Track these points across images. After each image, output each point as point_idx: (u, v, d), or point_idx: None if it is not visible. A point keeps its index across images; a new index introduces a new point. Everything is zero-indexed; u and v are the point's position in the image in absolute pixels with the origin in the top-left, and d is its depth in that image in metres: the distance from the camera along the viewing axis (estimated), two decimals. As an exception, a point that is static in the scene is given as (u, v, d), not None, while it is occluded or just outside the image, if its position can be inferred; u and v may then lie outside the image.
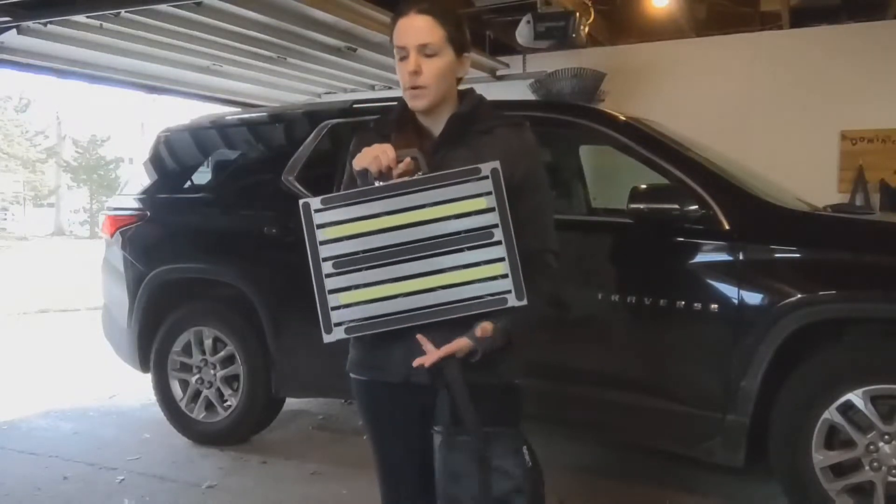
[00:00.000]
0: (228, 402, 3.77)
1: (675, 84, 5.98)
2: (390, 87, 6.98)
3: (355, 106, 3.71)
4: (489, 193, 1.46)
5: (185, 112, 24.46)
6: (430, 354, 1.48)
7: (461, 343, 1.48)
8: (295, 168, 3.60)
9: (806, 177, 4.70)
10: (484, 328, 1.49)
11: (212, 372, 3.78)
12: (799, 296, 2.59)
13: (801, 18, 6.18)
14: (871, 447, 2.51)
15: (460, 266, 1.48)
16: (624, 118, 3.19)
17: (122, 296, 4.00)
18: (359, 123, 3.71)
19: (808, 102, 5.61)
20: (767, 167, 3.62)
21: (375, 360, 1.62)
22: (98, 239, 14.23)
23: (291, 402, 4.16)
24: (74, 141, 36.30)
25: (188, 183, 4.16)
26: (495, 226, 1.46)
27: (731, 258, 2.71)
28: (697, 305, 2.72)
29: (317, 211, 1.52)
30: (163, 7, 4.41)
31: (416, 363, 1.49)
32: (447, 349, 1.48)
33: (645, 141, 3.01)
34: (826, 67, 5.60)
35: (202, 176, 4.17)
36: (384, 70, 6.27)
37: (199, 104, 7.59)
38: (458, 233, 1.47)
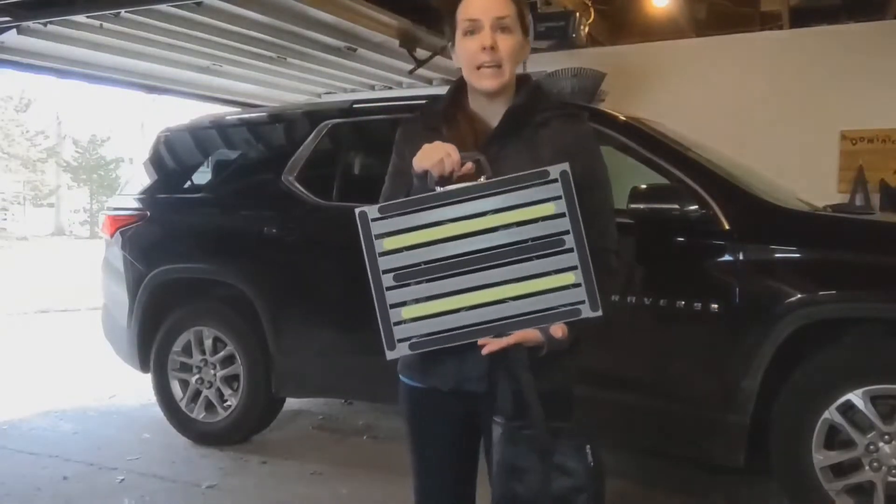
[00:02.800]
0: (228, 402, 3.77)
1: (675, 84, 5.98)
2: (390, 87, 6.99)
3: (355, 106, 3.71)
4: (559, 198, 1.37)
5: (185, 112, 24.45)
6: (498, 340, 1.38)
7: (530, 334, 1.39)
8: (295, 168, 3.59)
9: (806, 177, 4.70)
10: (559, 327, 1.40)
11: (212, 372, 3.78)
12: (799, 296, 2.59)
13: (801, 18, 6.18)
14: (871, 447, 2.51)
15: (530, 276, 1.39)
16: (624, 118, 3.18)
17: (122, 296, 4.00)
18: (356, 125, 3.73)
19: (808, 102, 5.60)
20: (767, 167, 3.62)
21: (426, 366, 1.53)
22: (98, 239, 14.21)
23: (291, 402, 4.16)
24: (74, 141, 36.25)
25: (188, 183, 4.17)
26: (566, 232, 1.38)
27: (731, 258, 2.70)
28: (697, 305, 2.72)
29: (374, 220, 1.42)
30: (163, 7, 4.42)
31: (484, 349, 1.39)
32: (517, 336, 1.38)
33: (645, 141, 3.01)
34: (826, 67, 5.60)
35: (202, 176, 4.17)
36: (384, 70, 6.27)
37: (199, 104, 7.60)
38: (527, 240, 1.38)
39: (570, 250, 1.38)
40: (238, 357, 3.71)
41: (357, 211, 1.43)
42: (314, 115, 3.76)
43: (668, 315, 2.79)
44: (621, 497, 3.14)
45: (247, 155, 4.13)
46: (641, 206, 2.76)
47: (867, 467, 2.52)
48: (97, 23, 4.58)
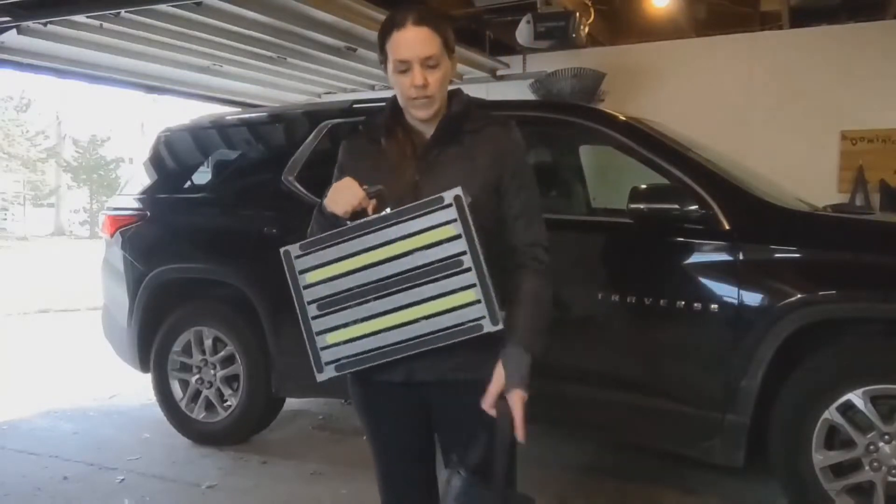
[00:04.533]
0: (228, 402, 3.78)
1: (675, 84, 5.98)
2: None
3: (355, 106, 3.71)
4: (455, 221, 1.46)
5: (185, 112, 24.46)
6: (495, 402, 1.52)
7: (520, 397, 1.51)
8: (295, 168, 3.60)
9: (806, 177, 4.70)
10: (522, 376, 1.52)
11: (212, 372, 3.78)
12: (799, 296, 2.59)
13: (801, 18, 6.17)
14: (871, 447, 2.51)
15: (436, 296, 1.49)
16: (624, 118, 3.19)
17: (122, 296, 4.00)
18: (356, 125, 3.72)
19: (808, 102, 5.60)
20: (767, 167, 3.62)
21: None
22: (98, 239, 14.20)
23: (291, 402, 4.16)
24: (74, 141, 36.25)
25: (188, 183, 4.16)
26: (464, 252, 1.47)
27: (731, 258, 2.71)
28: (697, 305, 2.72)
29: (297, 257, 1.57)
30: (163, 7, 4.41)
31: (486, 404, 1.52)
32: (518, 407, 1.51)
33: (645, 141, 3.01)
34: (826, 67, 5.59)
35: (202, 176, 4.17)
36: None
37: (199, 104, 7.60)
38: (431, 263, 1.49)
39: (469, 269, 1.47)
40: (238, 357, 3.71)
41: (281, 250, 1.58)
42: (314, 115, 3.76)
43: (668, 315, 2.79)
44: (621, 497, 3.15)
45: (247, 155, 4.13)
46: (641, 206, 2.76)
47: (867, 467, 2.52)
48: (97, 23, 4.57)
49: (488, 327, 1.47)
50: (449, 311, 1.49)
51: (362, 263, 1.53)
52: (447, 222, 1.47)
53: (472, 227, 1.46)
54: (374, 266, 1.52)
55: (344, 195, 1.53)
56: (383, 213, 1.52)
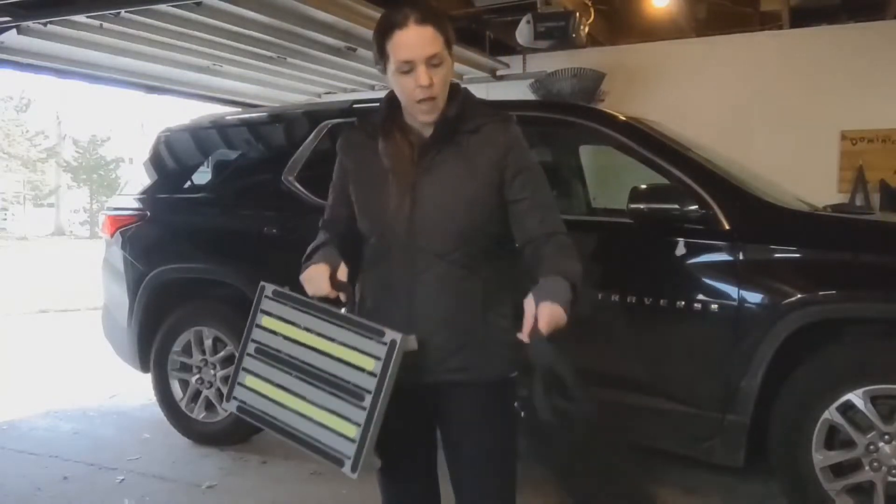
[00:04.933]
0: (228, 402, 3.77)
1: (675, 84, 5.98)
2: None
3: (355, 106, 3.70)
4: (379, 359, 1.45)
5: (185, 112, 24.46)
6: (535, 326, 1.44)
7: (547, 306, 1.44)
8: (295, 168, 3.59)
9: (806, 177, 4.70)
10: (552, 292, 1.45)
11: (212, 372, 3.78)
12: (799, 296, 2.59)
13: (801, 18, 6.18)
14: (871, 447, 2.51)
15: (326, 408, 1.51)
16: (624, 118, 3.19)
17: (122, 296, 4.00)
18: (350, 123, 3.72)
19: (808, 102, 5.61)
20: (767, 167, 3.62)
21: None
22: (98, 239, 14.20)
23: (291, 402, 4.15)
24: (74, 141, 36.28)
25: (188, 183, 4.16)
26: (369, 392, 1.45)
27: (731, 258, 2.70)
28: (697, 305, 2.72)
29: (266, 297, 1.66)
30: (163, 7, 4.41)
31: (526, 334, 1.45)
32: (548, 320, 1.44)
33: (645, 141, 3.01)
34: (826, 67, 5.60)
35: (202, 176, 4.17)
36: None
37: (199, 104, 7.60)
38: (339, 378, 1.50)
39: (364, 409, 1.45)
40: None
41: (261, 283, 1.68)
42: (314, 116, 3.76)
43: (668, 315, 2.79)
44: (621, 497, 3.14)
45: (247, 155, 4.12)
46: (641, 206, 2.76)
47: (867, 467, 2.52)
48: (97, 23, 4.58)
49: (346, 470, 1.46)
50: (326, 427, 1.50)
51: (303, 340, 1.57)
52: (372, 356, 1.46)
53: (391, 377, 1.43)
54: (308, 348, 1.56)
55: (314, 283, 1.58)
56: (341, 309, 1.56)
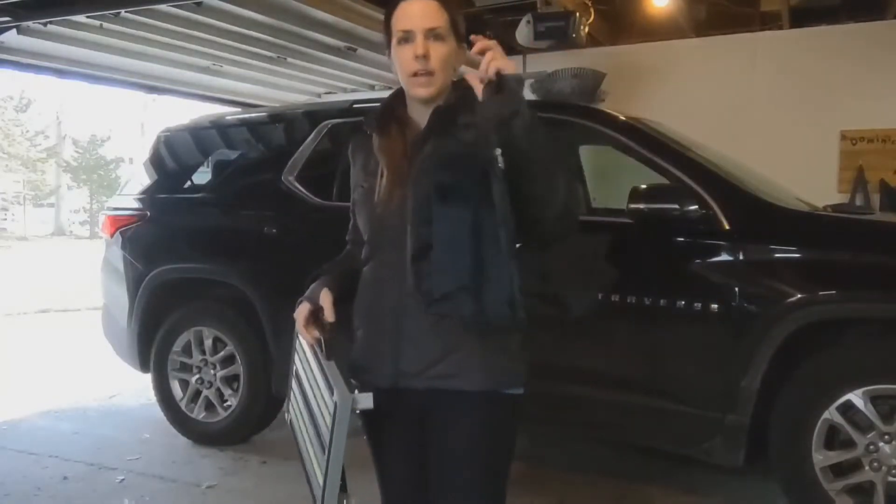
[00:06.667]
0: (228, 402, 3.77)
1: (675, 84, 5.98)
2: (390, 88, 6.96)
3: (355, 106, 3.70)
4: (331, 414, 1.41)
5: (185, 112, 24.46)
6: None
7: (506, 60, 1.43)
8: (295, 168, 3.60)
9: (806, 177, 4.69)
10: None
11: (212, 372, 3.78)
12: (799, 296, 2.59)
13: (801, 18, 6.18)
14: (871, 447, 2.51)
15: (310, 444, 1.56)
16: (624, 118, 3.19)
17: (122, 296, 4.00)
18: (356, 125, 3.72)
19: (808, 102, 5.60)
20: (767, 167, 3.61)
21: (366, 363, 1.57)
22: (98, 239, 14.22)
23: (291, 402, 4.15)
24: (74, 141, 36.25)
25: (188, 183, 4.16)
26: (325, 448, 1.43)
27: (731, 258, 2.70)
28: (697, 305, 2.71)
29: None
30: (163, 7, 4.42)
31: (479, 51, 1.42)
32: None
33: (645, 141, 3.01)
34: (826, 67, 5.59)
35: (202, 176, 4.17)
36: (384, 70, 6.26)
37: (199, 104, 7.60)
38: (317, 421, 1.52)
39: (324, 452, 1.43)
40: (238, 357, 3.70)
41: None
42: (314, 116, 3.76)
43: (668, 315, 2.78)
44: (621, 497, 3.14)
45: (247, 155, 4.12)
46: (641, 206, 2.76)
47: (867, 467, 2.52)
48: (97, 23, 4.58)
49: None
50: (312, 462, 1.54)
51: (304, 375, 1.67)
52: (328, 409, 1.43)
53: (338, 436, 1.37)
54: (308, 384, 1.63)
55: (298, 322, 1.63)
56: (321, 356, 1.56)
